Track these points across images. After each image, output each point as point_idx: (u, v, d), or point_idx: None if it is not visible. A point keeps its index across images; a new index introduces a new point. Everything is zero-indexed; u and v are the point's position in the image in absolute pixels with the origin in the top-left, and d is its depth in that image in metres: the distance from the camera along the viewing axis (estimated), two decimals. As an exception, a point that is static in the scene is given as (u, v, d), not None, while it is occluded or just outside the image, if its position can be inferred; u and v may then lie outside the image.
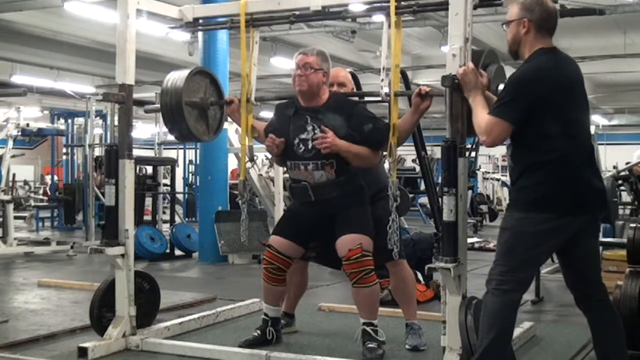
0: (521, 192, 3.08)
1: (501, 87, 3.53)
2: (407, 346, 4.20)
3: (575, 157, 3.04)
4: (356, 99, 4.26)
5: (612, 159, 15.67)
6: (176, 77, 4.17)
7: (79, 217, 12.88)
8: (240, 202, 4.32)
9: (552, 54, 3.15)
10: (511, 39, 3.19)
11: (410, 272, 4.34)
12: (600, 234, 7.05)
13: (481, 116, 3.10)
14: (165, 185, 13.25)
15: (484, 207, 15.09)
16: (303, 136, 3.95)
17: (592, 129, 7.38)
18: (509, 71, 3.42)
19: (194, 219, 12.92)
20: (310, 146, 3.92)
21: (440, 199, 3.64)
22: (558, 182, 3.00)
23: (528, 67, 3.11)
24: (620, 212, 10.54)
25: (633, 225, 4.13)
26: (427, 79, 15.10)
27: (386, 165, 4.29)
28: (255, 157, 4.42)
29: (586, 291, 3.20)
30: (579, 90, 3.16)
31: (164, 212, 11.61)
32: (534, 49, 3.13)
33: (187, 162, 15.59)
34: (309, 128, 3.94)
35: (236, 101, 4.25)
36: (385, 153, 3.78)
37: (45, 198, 14.98)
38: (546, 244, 3.07)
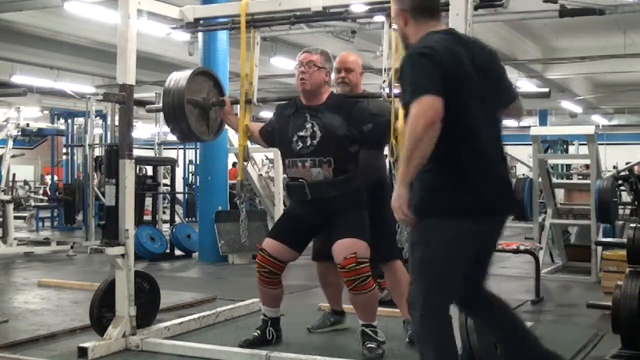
0: (426, 193, 2.69)
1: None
2: (407, 339, 4.21)
3: (483, 152, 2.72)
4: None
5: (612, 159, 15.68)
6: (179, 77, 4.20)
7: (79, 217, 12.88)
8: (238, 202, 4.32)
9: (444, 33, 2.81)
10: (400, 36, 2.94)
11: (405, 272, 4.33)
12: (600, 234, 7.16)
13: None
14: (165, 185, 13.24)
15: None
16: (301, 133, 3.96)
17: (592, 129, 7.44)
18: (510, 72, 3.40)
19: (194, 219, 12.92)
20: (308, 143, 3.93)
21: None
22: (468, 181, 2.69)
23: (416, 45, 2.76)
24: (620, 212, 10.54)
25: (633, 225, 4.13)
26: (427, 79, 15.10)
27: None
28: (251, 157, 4.44)
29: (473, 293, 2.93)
30: (484, 74, 2.76)
31: (164, 212, 11.61)
32: (419, 36, 2.80)
33: (187, 162, 15.60)
34: (308, 126, 3.96)
35: (228, 103, 4.28)
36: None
37: (45, 198, 14.97)
38: (464, 251, 2.73)
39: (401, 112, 3.67)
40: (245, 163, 4.35)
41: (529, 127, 8.81)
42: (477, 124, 2.71)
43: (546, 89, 4.06)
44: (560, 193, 9.39)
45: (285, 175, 4.36)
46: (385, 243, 3.96)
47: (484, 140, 2.74)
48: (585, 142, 8.15)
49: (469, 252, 2.76)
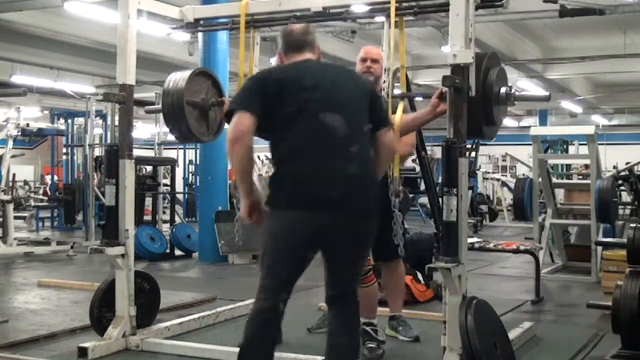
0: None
1: (503, 90, 3.54)
2: (406, 339, 4.21)
3: (302, 151, 2.86)
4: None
5: (612, 159, 15.67)
6: (179, 77, 4.20)
7: (79, 217, 12.87)
8: (235, 202, 4.32)
9: (300, 62, 3.08)
10: None
11: (403, 271, 4.40)
12: (600, 234, 7.16)
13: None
14: (165, 185, 13.24)
15: (484, 207, 15.10)
16: None
17: (592, 129, 7.45)
18: (510, 72, 3.40)
19: (194, 219, 12.92)
20: None
21: (440, 199, 3.64)
22: (285, 178, 2.88)
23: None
24: (620, 212, 10.54)
25: (633, 225, 4.13)
26: (427, 79, 15.11)
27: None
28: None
29: (331, 293, 3.05)
30: (342, 100, 2.96)
31: (164, 212, 11.61)
32: None
33: (187, 162, 15.59)
34: None
35: (227, 103, 4.27)
36: None
37: (45, 198, 14.97)
38: (284, 243, 2.87)
39: (400, 111, 3.70)
40: None
41: (529, 127, 8.82)
42: (301, 139, 2.86)
43: (547, 93, 4.04)
44: (560, 193, 9.39)
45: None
46: (389, 241, 3.96)
47: (310, 149, 2.86)
48: (585, 142, 8.15)
49: (296, 241, 2.86)
